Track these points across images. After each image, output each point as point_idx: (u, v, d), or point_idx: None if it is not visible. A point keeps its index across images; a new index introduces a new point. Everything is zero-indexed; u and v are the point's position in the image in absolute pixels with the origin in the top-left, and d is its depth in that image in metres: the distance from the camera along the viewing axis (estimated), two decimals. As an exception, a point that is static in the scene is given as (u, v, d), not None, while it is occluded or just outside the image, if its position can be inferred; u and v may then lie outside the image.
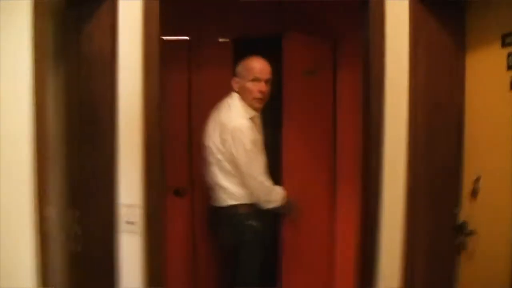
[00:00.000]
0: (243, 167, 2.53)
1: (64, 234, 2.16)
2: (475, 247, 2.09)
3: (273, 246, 2.86)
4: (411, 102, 2.11)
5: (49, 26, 2.01)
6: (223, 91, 2.71)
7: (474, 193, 2.10)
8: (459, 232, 2.14)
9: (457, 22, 2.17)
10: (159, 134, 2.12)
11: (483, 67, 2.09)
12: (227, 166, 2.56)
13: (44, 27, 1.91)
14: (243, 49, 2.95)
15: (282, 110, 2.92)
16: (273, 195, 2.65)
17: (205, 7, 3.07)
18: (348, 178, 3.08)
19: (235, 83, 2.65)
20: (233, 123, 2.52)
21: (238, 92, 2.64)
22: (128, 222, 2.12)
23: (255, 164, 2.56)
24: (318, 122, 3.16)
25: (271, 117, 2.85)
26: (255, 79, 2.60)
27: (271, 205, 2.64)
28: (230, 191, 2.59)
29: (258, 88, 2.59)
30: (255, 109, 2.64)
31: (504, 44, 1.92)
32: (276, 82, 2.76)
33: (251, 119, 2.60)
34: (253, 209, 2.61)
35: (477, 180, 2.08)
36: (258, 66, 2.62)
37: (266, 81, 2.63)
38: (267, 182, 2.62)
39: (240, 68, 2.67)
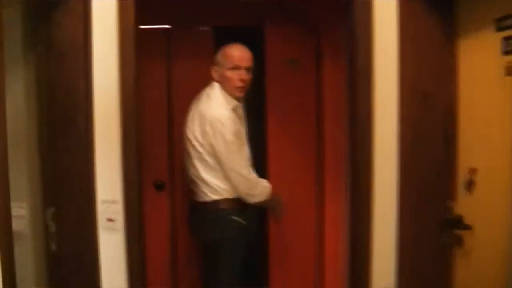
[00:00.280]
0: (224, 159, 2.45)
1: (38, 232, 2.11)
2: (471, 243, 2.04)
3: (258, 243, 2.81)
4: (400, 93, 2.07)
5: (16, 15, 1.91)
6: (205, 81, 2.63)
7: (469, 186, 2.04)
8: (454, 226, 2.09)
9: (446, 8, 2.11)
10: (136, 126, 2.07)
11: (476, 54, 2.03)
12: (208, 159, 2.48)
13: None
14: (225, 37, 2.87)
15: (265, 100, 2.87)
16: (258, 189, 2.57)
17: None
18: (336, 172, 2.97)
19: (214, 72, 2.57)
20: (213, 113, 2.45)
21: (218, 82, 2.56)
22: (108, 219, 2.07)
23: (237, 157, 2.48)
24: (304, 113, 3.12)
25: (254, 108, 2.79)
26: (235, 67, 2.51)
27: (255, 199, 2.57)
28: (212, 185, 2.51)
29: (239, 77, 2.51)
30: (236, 98, 2.55)
31: (498, 29, 1.85)
32: (259, 72, 2.69)
33: (233, 109, 2.52)
34: (237, 204, 2.53)
35: (472, 172, 2.02)
36: (237, 53, 2.54)
37: (247, 69, 2.54)
38: (251, 175, 2.55)
39: (218, 56, 2.58)
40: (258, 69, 2.69)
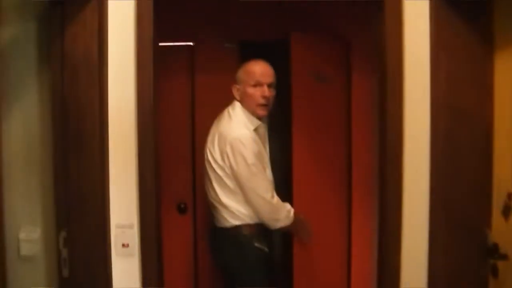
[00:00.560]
0: (246, 182, 2.35)
1: (51, 257, 2.06)
2: (506, 274, 1.90)
3: (283, 269, 2.69)
4: (432, 110, 1.98)
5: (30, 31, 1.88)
6: (229, 100, 2.56)
7: (506, 212, 1.91)
8: (489, 255, 1.96)
9: (484, 20, 2.01)
10: (154, 147, 2.00)
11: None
12: (228, 182, 2.38)
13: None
14: (250, 54, 2.79)
15: (291, 119, 2.79)
16: (281, 213, 2.44)
17: (206, 10, 2.97)
18: (364, 194, 2.90)
19: (236, 90, 2.49)
20: (234, 133, 2.35)
21: (239, 101, 2.47)
22: (123, 245, 1.99)
23: (259, 180, 2.37)
24: (332, 132, 3.04)
25: (279, 127, 2.69)
26: (257, 84, 2.42)
27: (279, 225, 2.45)
28: (232, 210, 2.40)
29: (261, 93, 2.41)
30: (259, 118, 2.46)
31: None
32: (285, 88, 2.58)
33: (255, 129, 2.42)
34: (259, 230, 2.42)
35: (509, 197, 1.88)
36: (259, 69, 2.45)
37: (269, 85, 2.45)
38: (274, 199, 2.43)
39: (240, 74, 2.50)
40: (285, 85, 2.59)
